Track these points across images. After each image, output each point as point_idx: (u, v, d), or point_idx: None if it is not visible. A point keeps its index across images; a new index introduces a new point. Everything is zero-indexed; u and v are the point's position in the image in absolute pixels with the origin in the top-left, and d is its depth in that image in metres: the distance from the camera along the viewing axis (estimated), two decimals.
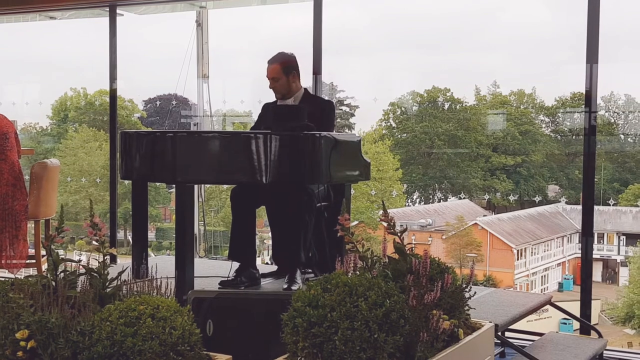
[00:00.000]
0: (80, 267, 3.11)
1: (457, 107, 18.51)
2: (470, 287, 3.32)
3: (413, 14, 18.97)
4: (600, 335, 4.84)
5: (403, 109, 18.79)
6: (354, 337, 2.62)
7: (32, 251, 5.08)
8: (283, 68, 4.56)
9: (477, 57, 19.10)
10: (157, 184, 17.06)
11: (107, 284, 3.07)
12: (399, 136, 18.61)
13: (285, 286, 4.17)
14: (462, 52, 19.08)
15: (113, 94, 7.52)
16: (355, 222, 15.12)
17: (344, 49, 17.60)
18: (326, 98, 5.18)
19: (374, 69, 19.40)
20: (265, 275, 4.57)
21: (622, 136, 17.80)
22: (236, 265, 4.41)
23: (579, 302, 5.26)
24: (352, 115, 18.72)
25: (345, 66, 18.02)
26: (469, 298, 3.32)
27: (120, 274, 3.14)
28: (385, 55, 19.77)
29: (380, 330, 2.66)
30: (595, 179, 5.33)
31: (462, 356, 3.06)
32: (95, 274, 3.07)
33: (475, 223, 17.40)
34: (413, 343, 2.80)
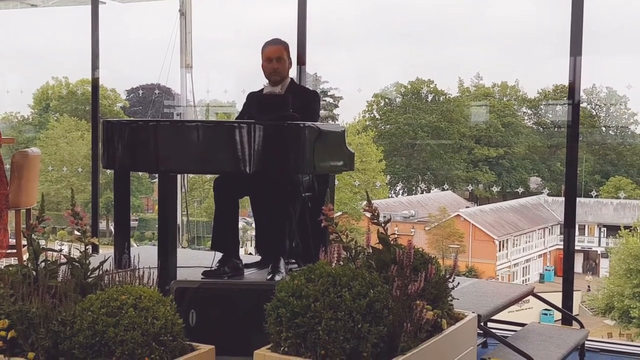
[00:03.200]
0: (62, 256, 3.08)
1: (441, 98, 18.57)
2: (454, 278, 3.33)
3: (400, 5, 18.98)
4: (581, 326, 4.87)
5: (387, 100, 18.82)
6: (337, 328, 2.62)
7: (12, 241, 5.03)
8: (287, 50, 4.56)
9: (461, 49, 19.16)
10: (140, 174, 16.97)
11: (88, 273, 3.04)
12: (383, 127, 18.65)
13: (269, 276, 4.16)
14: (447, 45, 19.14)
15: (95, 83, 7.46)
16: (339, 213, 15.15)
17: (329, 40, 17.60)
18: (311, 88, 5.16)
19: (359, 61, 19.43)
20: (248, 266, 4.55)
21: (603, 128, 17.94)
22: (219, 255, 4.39)
23: (560, 293, 5.30)
24: (336, 106, 18.73)
25: (330, 57, 18.04)
26: (452, 289, 3.32)
27: (102, 263, 3.12)
28: (370, 46, 19.78)
29: (364, 320, 2.66)
30: (577, 171, 5.36)
31: (445, 346, 3.07)
32: (76, 264, 3.04)
33: (458, 214, 17.49)
34: (396, 333, 2.80)
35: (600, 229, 16.82)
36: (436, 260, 3.36)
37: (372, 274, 2.89)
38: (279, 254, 4.28)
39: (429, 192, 18.90)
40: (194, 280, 3.79)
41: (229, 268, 4.31)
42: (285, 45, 4.59)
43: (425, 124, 18.07)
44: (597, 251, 17.15)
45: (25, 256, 4.78)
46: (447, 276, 3.31)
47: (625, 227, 15.45)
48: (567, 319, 5.11)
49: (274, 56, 4.52)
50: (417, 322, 2.88)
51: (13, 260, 5.03)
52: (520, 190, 17.63)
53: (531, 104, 18.32)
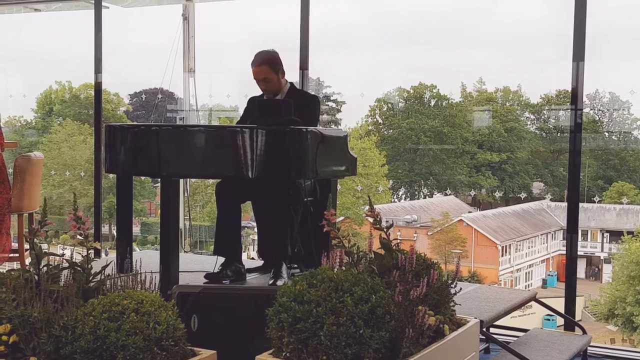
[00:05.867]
0: (64, 261, 3.08)
1: (443, 103, 18.54)
2: (456, 283, 3.32)
3: (402, 9, 18.96)
4: (584, 332, 4.86)
5: (389, 105, 18.80)
6: (339, 333, 2.61)
7: (15, 245, 5.03)
8: (272, 67, 4.51)
9: (463, 53, 19.13)
10: (143, 178, 16.98)
11: (90, 278, 3.04)
12: (385, 132, 18.63)
13: (271, 281, 4.15)
14: (449, 49, 19.11)
15: (98, 87, 7.48)
16: (341, 218, 15.13)
17: (332, 45, 17.59)
18: (312, 93, 5.15)
19: (362, 65, 19.38)
20: (250, 270, 4.55)
21: (606, 134, 17.89)
22: (221, 260, 4.39)
23: (562, 299, 5.29)
24: (339, 111, 18.71)
25: (333, 62, 18.00)
26: (455, 294, 3.32)
27: (104, 268, 3.12)
28: (373, 51, 19.75)
29: (366, 326, 2.66)
30: (580, 176, 5.35)
31: (447, 352, 3.06)
32: (78, 268, 3.04)
33: (460, 219, 17.45)
34: (398, 339, 2.79)
35: (603, 234, 16.77)
36: (438, 266, 3.36)
37: (374, 279, 2.89)
38: (280, 258, 4.27)
39: (432, 197, 18.86)
40: (195, 285, 3.79)
41: (231, 273, 4.31)
42: (269, 62, 4.51)
43: (428, 129, 18.05)
44: (599, 257, 17.11)
45: (28, 260, 4.78)
46: (450, 281, 3.30)
47: (628, 233, 15.41)
48: (570, 324, 5.10)
49: (258, 78, 4.52)
50: (419, 327, 2.88)
51: (15, 265, 5.03)
52: (523, 195, 17.59)
53: (534, 109, 18.30)
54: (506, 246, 17.21)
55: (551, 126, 18.43)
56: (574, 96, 5.27)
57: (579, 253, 5.46)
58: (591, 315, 16.33)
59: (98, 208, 7.38)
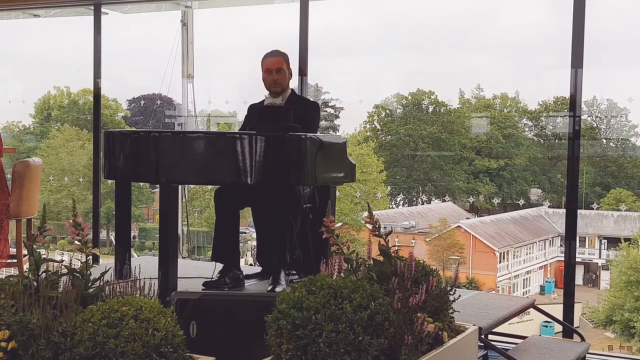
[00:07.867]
0: (63, 267, 3.08)
1: (441, 110, 18.56)
2: (455, 290, 3.33)
3: (401, 16, 18.99)
4: (582, 339, 4.86)
5: (388, 111, 18.81)
6: (338, 340, 2.61)
7: (13, 251, 5.03)
8: (287, 61, 4.58)
9: (462, 60, 19.15)
10: (141, 183, 16.97)
11: (89, 284, 3.04)
12: (383, 138, 18.64)
13: (269, 288, 4.15)
14: (447, 55, 19.13)
15: (97, 92, 7.48)
16: (339, 224, 15.12)
17: (330, 50, 17.61)
18: (312, 99, 5.17)
19: (360, 71, 19.41)
20: (249, 277, 4.55)
21: (604, 140, 17.92)
22: (220, 266, 4.39)
23: (560, 305, 5.29)
24: (337, 117, 18.73)
25: (332, 67, 18.03)
26: (454, 301, 3.32)
27: (103, 274, 3.11)
28: (372, 57, 19.78)
29: (365, 333, 2.66)
30: (578, 183, 5.36)
31: (446, 359, 3.06)
32: (77, 274, 3.04)
33: (458, 226, 17.44)
34: (397, 346, 2.79)
35: (600, 241, 16.78)
36: (437, 273, 3.36)
37: (373, 286, 2.89)
38: (279, 265, 4.27)
39: (430, 203, 18.87)
40: (194, 292, 3.78)
41: (229, 279, 4.31)
42: (284, 57, 4.61)
43: (426, 135, 18.07)
44: (597, 263, 17.11)
45: (26, 266, 4.77)
46: (448, 288, 3.30)
47: (625, 240, 15.41)
48: (568, 331, 5.10)
49: (274, 67, 4.54)
50: (418, 334, 2.88)
51: (13, 270, 5.02)
52: (521, 202, 17.61)
53: (532, 116, 18.32)
54: (504, 252, 17.20)
55: (549, 133, 18.46)
56: (573, 103, 5.28)
57: (576, 260, 5.46)
58: (589, 322, 16.32)
59: (96, 214, 7.38)
